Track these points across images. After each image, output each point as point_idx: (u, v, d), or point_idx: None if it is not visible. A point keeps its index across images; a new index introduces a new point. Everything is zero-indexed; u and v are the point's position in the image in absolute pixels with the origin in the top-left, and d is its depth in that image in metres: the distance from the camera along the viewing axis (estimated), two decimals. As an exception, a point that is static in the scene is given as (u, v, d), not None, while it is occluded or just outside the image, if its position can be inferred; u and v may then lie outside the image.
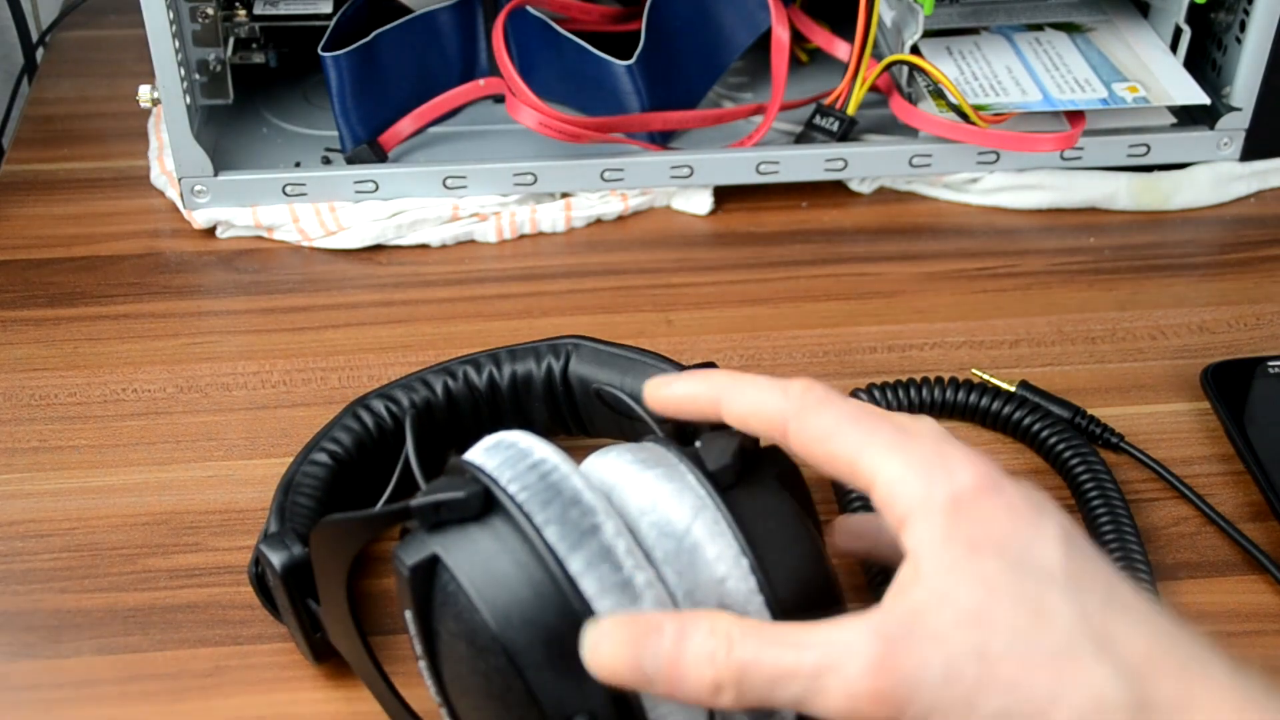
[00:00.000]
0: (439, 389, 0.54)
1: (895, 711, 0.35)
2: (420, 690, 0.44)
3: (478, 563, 0.37)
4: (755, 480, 0.40)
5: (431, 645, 0.39)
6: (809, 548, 0.40)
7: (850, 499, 0.53)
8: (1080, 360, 0.62)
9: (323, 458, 0.51)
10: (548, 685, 0.37)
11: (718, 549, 0.38)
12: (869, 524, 0.45)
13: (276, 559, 0.45)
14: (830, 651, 0.35)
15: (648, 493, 0.40)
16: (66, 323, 0.64)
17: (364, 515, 0.40)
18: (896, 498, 0.37)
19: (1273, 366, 0.60)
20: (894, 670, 0.35)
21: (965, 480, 0.37)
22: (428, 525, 0.38)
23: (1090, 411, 0.58)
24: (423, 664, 0.40)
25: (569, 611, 0.37)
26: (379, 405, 0.53)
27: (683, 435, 0.47)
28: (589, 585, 0.37)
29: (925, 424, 0.39)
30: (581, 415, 0.54)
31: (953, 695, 0.34)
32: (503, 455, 0.39)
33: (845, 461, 0.39)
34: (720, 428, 0.42)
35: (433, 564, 0.38)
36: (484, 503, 0.38)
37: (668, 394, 0.43)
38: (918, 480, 0.37)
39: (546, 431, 0.45)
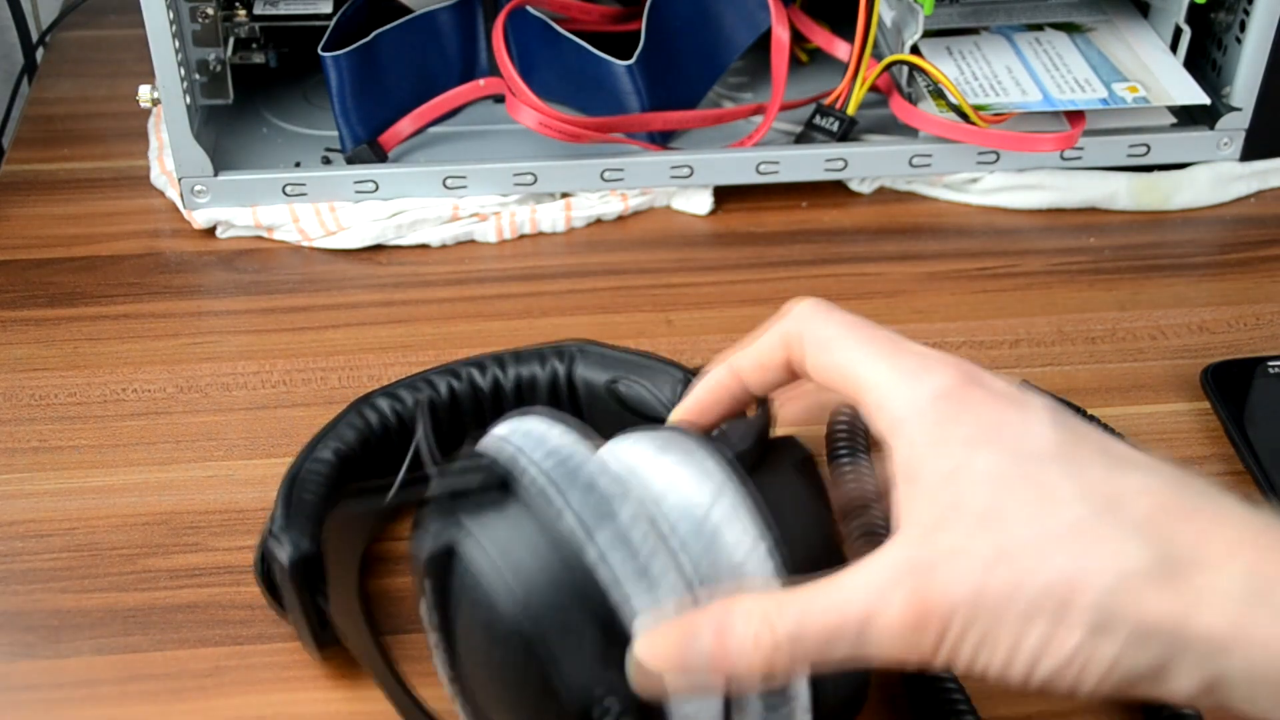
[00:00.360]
0: (443, 389, 0.54)
1: (941, 633, 0.35)
2: (427, 689, 0.44)
3: (496, 546, 0.37)
4: (774, 466, 0.40)
5: (448, 630, 0.39)
6: (827, 532, 0.40)
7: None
8: (1080, 360, 0.62)
9: (327, 454, 0.51)
10: (565, 669, 0.37)
11: (738, 531, 0.38)
12: None
13: (284, 550, 0.45)
14: (869, 596, 0.35)
15: (668, 475, 0.40)
16: (66, 323, 0.64)
17: (382, 496, 0.40)
18: (884, 404, 0.37)
19: (1273, 366, 0.60)
20: (928, 596, 0.35)
21: (947, 379, 0.37)
22: (445, 509, 0.38)
23: (1090, 411, 0.58)
24: (437, 650, 0.40)
25: (586, 595, 0.37)
26: (383, 404, 0.53)
27: None
28: (615, 559, 0.37)
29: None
30: (585, 419, 0.54)
31: (988, 600, 0.34)
32: (521, 439, 0.39)
33: (841, 370, 0.39)
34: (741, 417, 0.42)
35: (450, 547, 0.38)
36: (505, 482, 0.38)
37: (691, 400, 0.43)
38: (904, 385, 0.37)
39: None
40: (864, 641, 0.35)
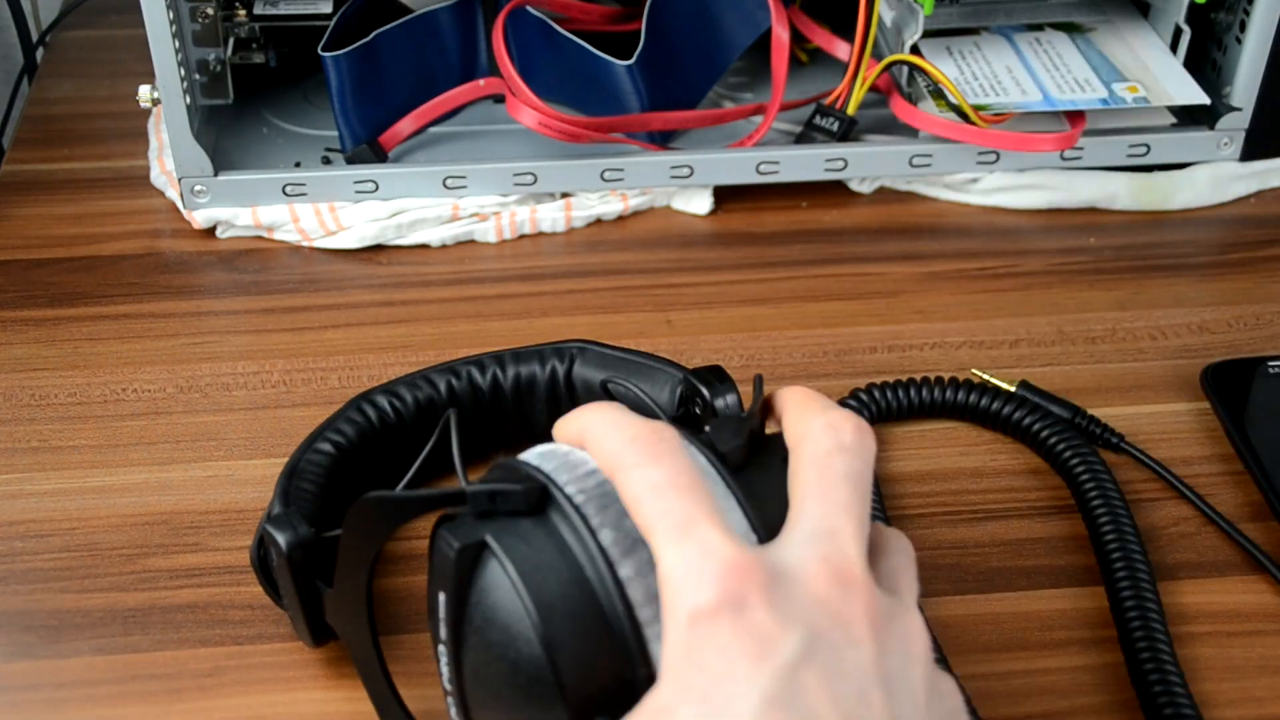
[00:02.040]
0: (442, 388, 0.54)
1: None
2: (411, 689, 0.44)
3: (529, 554, 0.37)
4: (763, 462, 0.40)
5: (459, 631, 0.39)
6: None
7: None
8: (1080, 360, 0.62)
9: (327, 447, 0.51)
10: (576, 684, 0.37)
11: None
12: None
13: (282, 537, 0.45)
14: None
15: None
16: (66, 323, 0.64)
17: (414, 494, 0.40)
18: (664, 592, 0.36)
19: (1273, 366, 0.60)
20: None
21: (706, 598, 0.35)
22: (478, 512, 0.38)
23: (1090, 411, 0.58)
24: (442, 649, 0.40)
25: (612, 614, 0.37)
26: (382, 400, 0.53)
27: (692, 425, 0.48)
28: (635, 592, 0.37)
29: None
30: None
31: None
32: (558, 461, 0.40)
33: (643, 531, 0.37)
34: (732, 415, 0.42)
35: (480, 548, 0.38)
36: (540, 499, 0.38)
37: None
38: (677, 584, 0.36)
39: (547, 436, 0.45)
40: None
